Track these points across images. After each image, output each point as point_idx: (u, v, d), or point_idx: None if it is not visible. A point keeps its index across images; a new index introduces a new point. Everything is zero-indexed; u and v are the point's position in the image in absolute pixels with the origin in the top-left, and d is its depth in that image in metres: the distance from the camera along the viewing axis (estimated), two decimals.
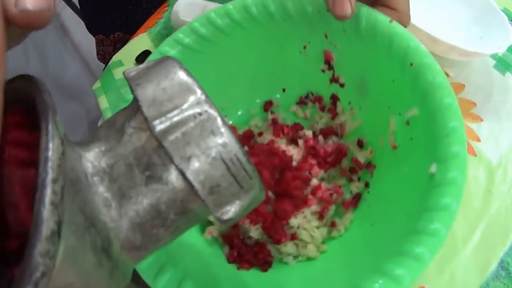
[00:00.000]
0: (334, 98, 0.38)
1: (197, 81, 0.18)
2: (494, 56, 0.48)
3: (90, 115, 1.05)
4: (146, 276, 0.28)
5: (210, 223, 0.35)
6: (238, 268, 0.33)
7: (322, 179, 0.36)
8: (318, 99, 0.39)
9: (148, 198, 0.18)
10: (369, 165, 0.35)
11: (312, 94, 0.39)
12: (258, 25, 0.35)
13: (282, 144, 0.36)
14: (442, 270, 0.36)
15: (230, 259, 0.33)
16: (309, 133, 0.37)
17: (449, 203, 0.27)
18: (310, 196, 0.35)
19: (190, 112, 0.18)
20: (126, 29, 0.63)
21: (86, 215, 0.17)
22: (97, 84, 0.50)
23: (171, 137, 0.17)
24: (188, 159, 0.17)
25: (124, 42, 0.55)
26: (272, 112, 0.39)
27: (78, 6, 0.76)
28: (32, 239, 0.14)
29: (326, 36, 0.35)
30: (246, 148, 0.37)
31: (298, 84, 0.39)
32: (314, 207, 0.34)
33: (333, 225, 0.34)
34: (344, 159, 0.36)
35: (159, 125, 0.17)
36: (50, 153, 0.15)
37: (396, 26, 0.31)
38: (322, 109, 0.39)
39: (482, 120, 0.43)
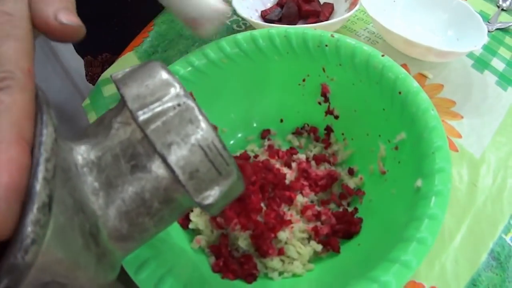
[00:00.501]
0: (329, 129, 0.41)
1: (177, 78, 0.21)
2: (471, 56, 0.52)
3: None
4: (128, 268, 0.29)
5: (198, 233, 0.36)
6: (222, 278, 0.33)
7: (312, 202, 0.37)
8: (314, 129, 0.42)
9: (133, 186, 0.20)
10: (359, 191, 0.37)
11: (308, 125, 0.42)
12: (263, 56, 0.40)
13: (276, 164, 0.39)
14: (432, 264, 0.36)
15: (216, 269, 0.33)
16: (302, 156, 0.40)
17: (435, 213, 0.29)
18: (297, 216, 0.36)
19: (170, 104, 0.20)
20: (113, 50, 0.66)
21: (75, 200, 0.19)
22: (87, 101, 0.53)
23: (153, 126, 0.20)
24: (169, 146, 0.19)
25: (111, 63, 0.59)
26: (268, 139, 0.42)
27: None
28: (24, 210, 0.16)
29: (323, 70, 0.39)
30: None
31: (295, 115, 0.43)
32: (303, 225, 0.35)
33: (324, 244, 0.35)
34: (334, 184, 0.38)
35: (142, 115, 0.19)
36: (44, 138, 0.17)
37: (387, 59, 0.36)
38: (317, 139, 0.42)
39: (462, 117, 0.46)
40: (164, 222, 0.22)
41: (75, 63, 0.85)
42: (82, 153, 0.21)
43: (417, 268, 0.27)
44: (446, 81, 0.50)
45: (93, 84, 0.73)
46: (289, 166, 0.39)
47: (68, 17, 0.20)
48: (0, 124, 0.16)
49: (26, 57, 0.19)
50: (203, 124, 0.20)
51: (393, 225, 0.32)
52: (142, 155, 0.20)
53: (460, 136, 0.45)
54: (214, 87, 0.41)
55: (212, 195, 0.20)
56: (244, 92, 0.41)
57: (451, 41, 0.51)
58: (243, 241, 0.34)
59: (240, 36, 0.40)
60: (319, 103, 0.41)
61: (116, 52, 0.59)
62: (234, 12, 0.60)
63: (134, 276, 0.28)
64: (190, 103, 0.20)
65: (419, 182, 0.31)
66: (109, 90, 0.53)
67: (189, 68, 0.39)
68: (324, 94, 0.40)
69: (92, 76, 0.76)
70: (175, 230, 0.35)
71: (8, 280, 0.15)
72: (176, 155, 0.19)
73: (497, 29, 0.56)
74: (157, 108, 0.20)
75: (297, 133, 0.43)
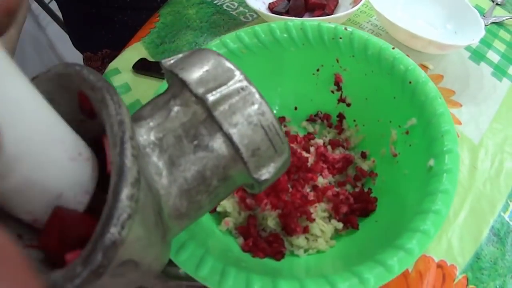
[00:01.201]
0: (341, 117, 0.46)
1: (235, 64, 0.24)
2: (469, 49, 0.58)
3: None
4: None
5: (226, 215, 0.39)
6: (253, 256, 0.37)
7: (330, 183, 0.42)
8: (327, 117, 0.46)
9: (196, 165, 0.22)
10: (372, 173, 0.42)
11: (321, 112, 0.47)
12: (280, 47, 0.44)
13: (297, 149, 0.43)
14: (440, 239, 0.41)
15: (245, 248, 0.37)
16: (320, 141, 0.44)
17: (447, 188, 0.33)
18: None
19: (235, 86, 0.23)
20: (113, 46, 0.69)
21: (145, 179, 0.20)
22: None
23: (221, 108, 0.22)
24: (235, 125, 0.22)
25: (112, 57, 0.61)
26: (284, 126, 0.46)
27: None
28: (117, 186, 0.17)
29: (337, 60, 0.44)
30: None
31: (309, 103, 0.47)
32: (324, 205, 0.39)
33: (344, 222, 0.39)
34: (349, 167, 0.43)
35: (211, 97, 0.22)
36: (123, 116, 0.18)
37: (397, 52, 0.40)
38: (330, 126, 0.46)
39: (461, 105, 0.52)
40: (218, 199, 0.24)
41: (73, 56, 0.87)
42: (142, 134, 0.22)
43: (434, 236, 0.32)
44: (445, 72, 0.55)
45: None
46: (308, 151, 0.43)
47: None
48: None
49: None
50: (263, 107, 0.23)
51: (407, 201, 0.36)
52: (204, 135, 0.22)
53: (460, 123, 0.50)
54: None
55: (268, 171, 0.23)
56: (261, 81, 0.44)
57: (450, 34, 0.57)
58: (271, 221, 0.38)
59: (258, 27, 0.44)
60: (332, 92, 0.46)
61: (116, 48, 0.62)
62: (241, 3, 0.64)
63: (175, 258, 0.31)
64: (252, 88, 0.23)
65: (431, 162, 0.35)
66: (118, 80, 0.56)
67: (223, 50, 0.43)
68: (337, 83, 0.45)
69: None
70: None
71: (102, 257, 0.16)
72: (241, 134, 0.22)
73: (492, 22, 0.62)
74: (224, 91, 0.22)
75: (311, 120, 0.47)
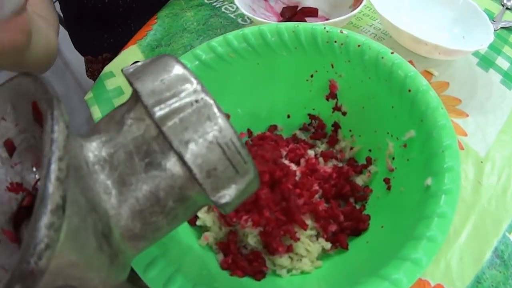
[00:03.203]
0: (336, 126, 0.41)
1: (193, 73, 0.21)
2: (477, 54, 0.52)
3: (81, 130, 1.05)
4: (136, 267, 0.29)
5: (206, 229, 0.36)
6: (231, 275, 0.33)
7: (320, 199, 0.37)
8: (321, 126, 0.42)
9: (148, 185, 0.20)
10: (366, 188, 0.37)
11: (315, 121, 0.42)
12: (271, 51, 0.40)
13: (285, 162, 0.39)
14: (438, 261, 0.37)
15: (224, 266, 0.33)
16: (311, 153, 0.40)
17: (445, 211, 0.29)
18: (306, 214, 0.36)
19: (188, 99, 0.20)
20: (114, 50, 0.66)
21: (88, 199, 0.18)
22: (89, 95, 0.52)
23: (170, 123, 0.19)
24: (186, 143, 0.19)
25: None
26: (276, 135, 0.42)
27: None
28: (37, 212, 0.15)
29: (332, 66, 0.40)
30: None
31: (302, 111, 0.43)
32: (311, 223, 0.35)
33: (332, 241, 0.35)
34: (342, 181, 0.38)
35: (159, 111, 0.19)
36: (55, 135, 0.16)
37: (396, 57, 0.36)
38: (324, 135, 0.42)
39: (467, 115, 0.47)
40: (177, 220, 0.22)
41: (76, 58, 0.84)
42: (93, 150, 0.20)
43: (427, 266, 0.27)
44: (452, 79, 0.50)
45: (94, 80, 0.72)
46: (298, 163, 0.39)
47: None
48: None
49: None
50: (221, 121, 0.20)
51: (402, 222, 0.32)
52: (157, 152, 0.20)
53: (465, 134, 0.45)
54: (221, 81, 0.40)
55: (229, 193, 0.20)
56: (251, 87, 0.41)
57: (457, 39, 0.52)
58: (252, 238, 0.34)
59: (248, 30, 0.40)
60: (327, 99, 0.41)
61: (116, 52, 0.59)
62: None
63: (143, 275, 0.28)
64: (208, 99, 0.20)
65: (428, 181, 0.31)
66: (112, 83, 0.53)
67: (196, 62, 0.39)
68: (332, 90, 0.40)
69: (93, 72, 0.76)
70: (182, 227, 0.35)
71: (21, 287, 0.15)
72: (194, 153, 0.19)
73: (501, 27, 0.57)
74: (174, 104, 0.19)
75: (304, 128, 0.43)
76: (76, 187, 0.18)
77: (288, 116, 0.43)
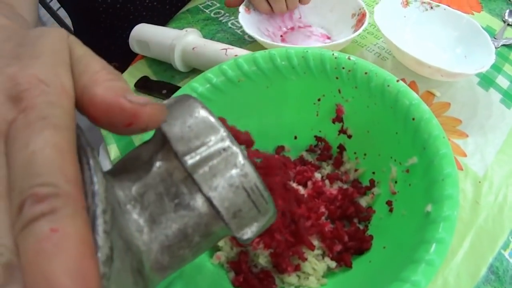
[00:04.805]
0: (341, 148, 0.45)
1: (218, 119, 0.23)
2: (478, 74, 0.55)
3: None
4: None
5: (218, 249, 0.39)
6: None
7: (326, 219, 0.41)
8: (327, 147, 0.45)
9: (177, 223, 0.22)
10: (369, 210, 0.41)
11: (321, 142, 0.46)
12: (280, 75, 0.43)
13: (293, 184, 0.42)
14: (435, 277, 0.40)
15: (236, 283, 0.37)
16: (318, 176, 0.43)
17: (443, 237, 0.32)
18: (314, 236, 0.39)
19: (216, 148, 0.22)
20: (122, 61, 0.68)
21: (124, 240, 0.20)
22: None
23: (201, 171, 0.21)
24: (215, 188, 0.21)
25: (120, 71, 0.60)
26: (283, 156, 0.45)
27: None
28: None
29: (339, 91, 0.43)
30: None
31: (309, 133, 0.46)
32: (318, 243, 0.39)
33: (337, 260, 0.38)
34: (347, 202, 0.42)
35: (190, 160, 0.21)
36: (96, 187, 0.17)
37: (401, 85, 0.39)
38: (330, 157, 0.45)
39: (467, 136, 0.50)
40: (201, 251, 0.24)
41: None
42: (124, 189, 0.22)
43: (426, 287, 0.31)
44: (453, 99, 0.53)
45: None
46: (305, 185, 0.42)
47: (137, 98, 0.18)
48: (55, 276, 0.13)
49: (71, 157, 0.15)
50: (246, 168, 0.22)
51: (403, 245, 0.35)
52: (185, 194, 0.22)
53: (465, 155, 0.48)
54: (230, 104, 0.43)
55: (251, 230, 0.23)
56: (259, 110, 0.44)
57: (459, 58, 0.55)
58: (263, 259, 0.37)
59: (258, 54, 0.43)
60: (333, 122, 0.44)
61: (125, 61, 0.61)
62: None
63: None
64: (234, 148, 0.22)
65: (429, 207, 0.34)
66: None
67: (207, 85, 0.42)
68: (338, 114, 0.44)
69: None
70: None
71: None
72: (222, 197, 0.22)
73: (502, 45, 0.60)
74: (204, 152, 0.22)
75: (311, 150, 0.46)
76: (114, 230, 0.19)
77: (295, 137, 0.46)
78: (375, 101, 0.41)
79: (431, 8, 0.57)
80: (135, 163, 0.23)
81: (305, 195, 0.41)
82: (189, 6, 0.70)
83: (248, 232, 0.23)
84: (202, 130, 0.22)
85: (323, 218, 0.40)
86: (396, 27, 0.55)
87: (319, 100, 0.44)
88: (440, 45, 0.57)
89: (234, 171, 0.22)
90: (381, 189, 0.41)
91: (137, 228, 0.21)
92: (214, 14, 0.66)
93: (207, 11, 0.67)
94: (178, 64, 0.54)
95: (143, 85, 0.54)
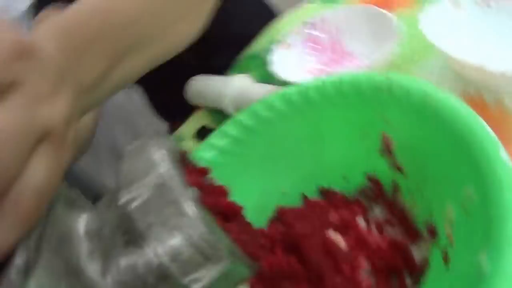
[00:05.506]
0: (395, 187, 0.36)
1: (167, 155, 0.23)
2: None
3: None
4: None
5: None
6: None
7: (367, 274, 0.33)
8: (378, 187, 0.37)
9: (127, 260, 0.21)
10: (424, 264, 0.31)
11: (371, 181, 0.38)
12: (315, 109, 0.39)
13: (330, 231, 0.36)
14: None
15: None
16: (361, 221, 0.35)
17: None
18: None
19: (152, 183, 0.21)
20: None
21: (69, 264, 0.21)
22: None
23: (133, 206, 0.21)
24: (149, 227, 0.21)
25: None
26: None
27: None
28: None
29: (382, 117, 0.36)
30: None
31: (356, 171, 0.39)
32: None
33: None
34: (395, 252, 0.33)
35: (123, 197, 0.22)
36: None
37: (460, 104, 0.31)
38: (382, 197, 0.37)
39: None
40: None
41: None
42: (86, 222, 0.23)
43: None
44: None
45: None
46: (345, 233, 0.35)
47: None
48: None
49: None
50: (186, 207, 0.21)
51: None
52: (135, 231, 0.21)
53: None
54: (279, 139, 0.41)
55: (200, 278, 0.21)
56: (297, 150, 0.40)
57: None
58: None
59: (289, 90, 0.39)
60: (382, 155, 0.37)
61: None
62: None
63: None
64: (174, 182, 0.21)
65: (483, 257, 0.24)
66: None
67: (241, 128, 0.40)
68: (387, 145, 0.36)
69: None
70: None
71: None
72: (156, 237, 0.20)
73: None
74: (139, 188, 0.21)
75: (361, 190, 0.39)
76: (56, 251, 0.21)
77: (345, 179, 0.40)
78: (429, 127, 0.33)
79: (488, 6, 0.46)
80: (103, 201, 0.25)
81: (345, 246, 0.34)
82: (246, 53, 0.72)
83: (198, 281, 0.21)
84: (144, 166, 0.22)
85: (362, 271, 0.32)
86: (449, 34, 0.45)
87: (361, 131, 0.38)
88: (505, 46, 0.45)
89: (170, 210, 0.21)
90: (437, 235, 0.31)
91: (91, 258, 0.22)
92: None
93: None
94: (231, 110, 0.54)
95: (202, 134, 0.56)
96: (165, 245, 0.20)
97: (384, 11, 0.53)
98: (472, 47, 0.47)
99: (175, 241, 0.20)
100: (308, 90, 0.39)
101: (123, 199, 0.21)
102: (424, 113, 0.32)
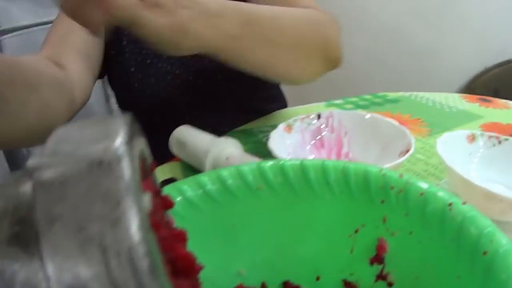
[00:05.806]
0: None
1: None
2: None
3: None
4: None
5: None
6: None
7: None
8: None
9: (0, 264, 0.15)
10: None
11: None
12: (311, 192, 0.34)
13: None
14: None
15: None
16: None
17: None
18: None
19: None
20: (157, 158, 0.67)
21: None
22: None
23: (44, 177, 0.15)
24: (51, 222, 0.14)
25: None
26: None
27: None
28: None
29: (384, 220, 0.31)
30: None
31: (336, 274, 0.33)
32: None
33: None
34: None
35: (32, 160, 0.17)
36: None
37: (469, 209, 0.27)
38: None
39: None
40: None
41: None
42: None
43: None
44: None
45: None
46: None
47: None
48: None
49: None
50: (127, 215, 0.13)
51: None
52: (31, 224, 0.14)
53: None
54: (244, 215, 0.35)
55: None
56: (278, 230, 0.34)
57: None
58: None
59: (288, 163, 0.35)
60: (371, 264, 0.31)
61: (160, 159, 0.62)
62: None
63: None
64: (124, 168, 0.14)
65: None
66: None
67: (218, 185, 0.35)
68: (379, 253, 0.31)
69: None
70: None
71: None
72: (58, 251, 0.13)
73: None
74: (62, 156, 0.14)
75: None
76: None
77: (317, 279, 0.33)
78: (430, 233, 0.28)
79: (499, 143, 0.50)
80: None
81: None
82: (244, 127, 0.72)
83: None
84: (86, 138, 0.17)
85: None
86: (460, 164, 0.47)
87: (356, 231, 0.32)
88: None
89: (97, 208, 0.14)
90: None
91: None
92: (266, 140, 0.63)
93: (260, 135, 0.67)
94: (207, 169, 0.49)
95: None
96: (67, 271, 0.13)
97: (397, 123, 0.55)
98: (480, 181, 0.48)
99: (87, 272, 0.13)
100: (309, 169, 0.34)
101: (31, 161, 0.14)
102: (440, 224, 0.28)
